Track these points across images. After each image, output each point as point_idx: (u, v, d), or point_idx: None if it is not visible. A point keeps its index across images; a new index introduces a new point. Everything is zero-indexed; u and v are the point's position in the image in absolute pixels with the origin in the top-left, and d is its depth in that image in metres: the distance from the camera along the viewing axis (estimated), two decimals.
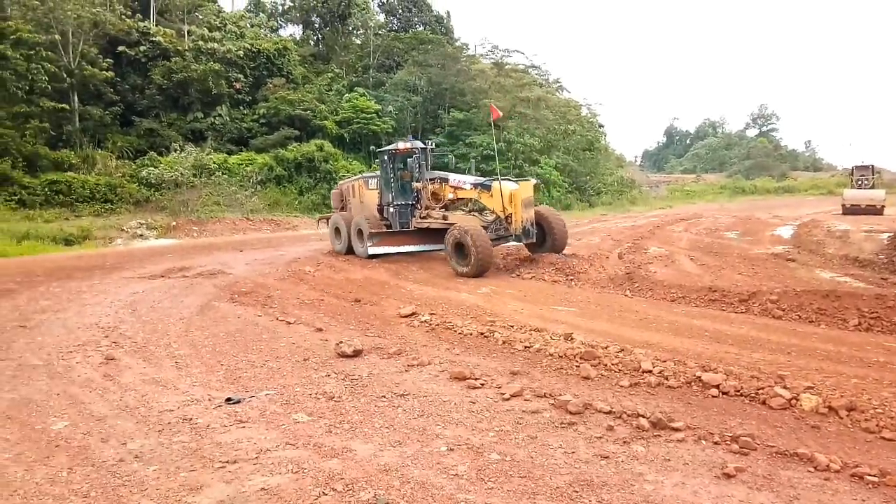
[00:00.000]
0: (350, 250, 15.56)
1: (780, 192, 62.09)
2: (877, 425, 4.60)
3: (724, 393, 5.36)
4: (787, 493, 3.67)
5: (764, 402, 5.12)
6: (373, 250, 14.66)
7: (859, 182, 33.29)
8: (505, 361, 6.51)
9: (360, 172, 30.98)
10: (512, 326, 7.94)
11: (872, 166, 34.63)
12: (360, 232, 15.17)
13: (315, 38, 42.33)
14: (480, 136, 34.76)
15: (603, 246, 16.43)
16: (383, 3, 44.61)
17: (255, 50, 34.14)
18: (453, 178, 14.39)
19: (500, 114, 14.06)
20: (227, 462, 4.19)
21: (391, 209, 15.15)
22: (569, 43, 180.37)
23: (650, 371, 5.90)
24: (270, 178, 29.50)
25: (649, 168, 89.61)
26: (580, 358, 6.40)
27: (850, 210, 29.13)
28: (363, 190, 16.49)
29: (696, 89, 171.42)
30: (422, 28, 43.23)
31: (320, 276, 12.62)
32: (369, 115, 33.56)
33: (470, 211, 15.62)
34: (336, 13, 39.16)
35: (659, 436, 4.52)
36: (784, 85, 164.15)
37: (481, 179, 13.73)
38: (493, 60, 41.80)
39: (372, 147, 18.26)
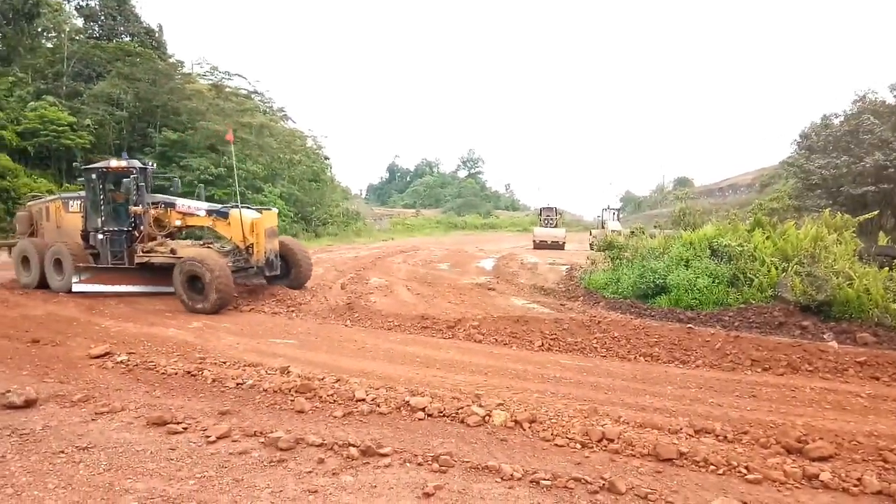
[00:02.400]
0: (43, 283, 13.43)
1: (485, 227, 69.61)
2: (552, 434, 5.31)
3: (429, 415, 5.72)
4: None
5: (463, 421, 5.58)
6: (80, 287, 12.77)
7: (546, 221, 38.93)
8: (213, 401, 6.11)
9: (49, 192, 26.92)
10: (224, 363, 7.53)
11: (556, 208, 40.76)
12: (57, 262, 13.20)
13: None
14: (197, 160, 32.76)
15: (327, 276, 16.57)
16: (81, 7, 39.69)
17: None
18: (181, 203, 13.19)
19: (233, 138, 13.45)
20: None
21: (100, 236, 13.36)
22: (293, 74, 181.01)
23: (363, 399, 6.06)
24: None
25: (374, 201, 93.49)
26: (295, 391, 6.31)
27: (539, 245, 33.80)
28: (61, 212, 14.28)
29: (415, 129, 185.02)
30: (129, 39, 39.37)
31: None
32: (61, 128, 29.28)
33: (204, 243, 14.15)
34: (21, 11, 33.69)
35: (368, 463, 4.62)
36: (488, 132, 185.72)
37: (216, 206, 12.80)
38: (211, 82, 39.84)
39: (76, 163, 15.66)
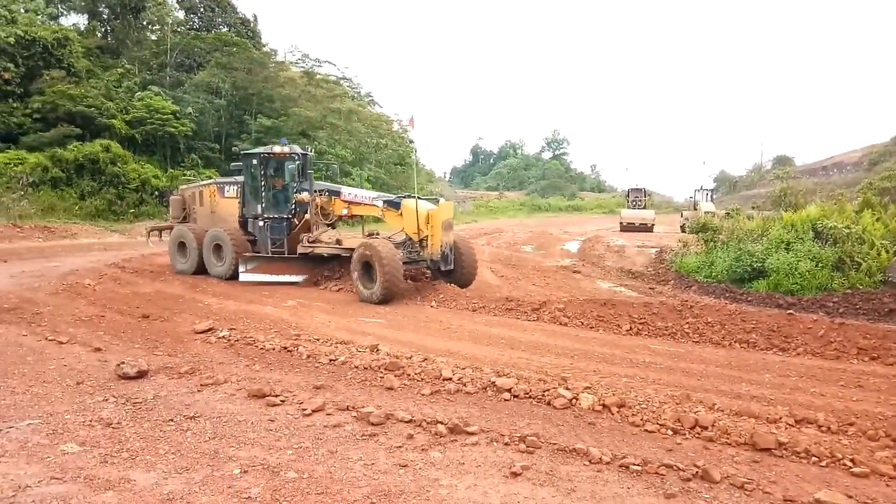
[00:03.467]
0: (201, 269, 13.47)
1: (570, 209, 68.44)
2: (641, 419, 5.20)
3: (515, 396, 5.74)
4: (565, 487, 4.01)
5: (549, 403, 5.56)
6: (247, 277, 12.70)
7: (634, 203, 37.82)
8: (308, 376, 6.37)
9: (155, 176, 28.64)
10: (318, 339, 7.82)
11: (644, 189, 39.54)
12: (216, 248, 13.25)
13: (103, 29, 38.35)
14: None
15: None
16: (182, 0, 41.77)
17: (29, 38, 30.07)
18: (347, 191, 12.92)
19: (414, 123, 12.50)
20: None
21: (260, 223, 13.34)
22: (380, 58, 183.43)
23: (450, 378, 6.15)
24: (45, 181, 26.08)
25: (457, 184, 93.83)
26: (384, 369, 6.48)
27: (627, 227, 32.95)
28: (216, 197, 14.24)
29: (498, 112, 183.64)
30: (226, 29, 41.11)
31: (102, 289, 11.40)
32: (165, 116, 31.09)
33: (369, 234, 13.50)
34: (128, 5, 35.84)
35: (455, 440, 4.70)
36: (573, 113, 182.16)
37: (387, 196, 12.41)
38: (303, 69, 41.13)
39: (236, 147, 16.44)
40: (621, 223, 33.70)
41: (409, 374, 6.32)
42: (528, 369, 6.65)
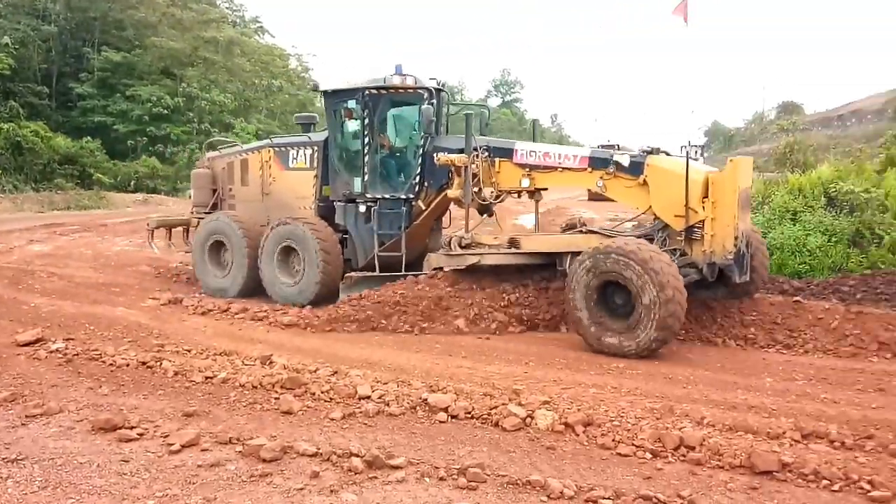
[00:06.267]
0: (253, 287, 11.20)
1: None
2: (613, 440, 5.34)
3: (453, 417, 5.79)
4: None
5: (497, 424, 5.63)
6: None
7: None
8: (176, 400, 6.25)
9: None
10: (188, 351, 7.71)
11: (618, 145, 40.31)
12: (286, 252, 10.82)
13: None
14: (147, 88, 32.97)
15: None
16: None
17: None
18: (525, 148, 10.08)
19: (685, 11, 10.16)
20: None
21: (358, 209, 10.92)
22: None
23: (368, 397, 6.16)
24: None
25: None
26: (281, 387, 6.43)
27: (596, 196, 33.50)
28: (273, 169, 11.81)
29: (429, 44, 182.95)
30: None
31: None
32: None
33: (568, 224, 10.37)
34: None
35: (375, 477, 4.70)
36: (528, 49, 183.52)
37: (611, 152, 9.84)
38: None
39: (313, 82, 12.80)
40: (589, 190, 34.29)
41: (313, 394, 6.29)
42: (471, 381, 6.71)
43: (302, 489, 4.55)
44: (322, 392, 6.29)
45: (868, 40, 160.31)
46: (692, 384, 6.83)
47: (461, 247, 9.71)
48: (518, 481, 4.65)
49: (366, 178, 10.70)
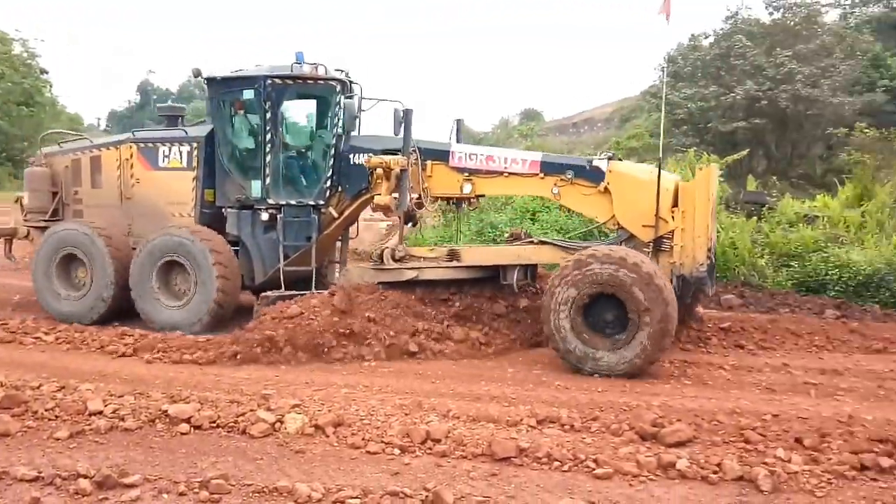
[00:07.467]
0: (117, 310, 9.60)
1: None
2: (363, 439, 5.41)
3: (196, 427, 5.58)
4: None
5: (245, 432, 5.51)
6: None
7: None
8: None
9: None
10: None
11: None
12: (167, 267, 9.35)
13: None
14: None
15: None
16: None
17: None
18: (462, 150, 9.22)
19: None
20: None
21: (260, 216, 9.58)
22: None
23: (100, 412, 5.80)
24: None
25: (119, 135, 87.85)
26: None
27: None
28: (137, 168, 10.11)
29: (177, 34, 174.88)
30: None
31: None
32: None
33: (514, 235, 9.87)
34: None
35: (106, 499, 4.42)
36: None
37: (561, 157, 9.60)
38: None
39: (195, 68, 9.88)
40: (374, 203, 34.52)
41: (36, 412, 5.79)
42: (218, 389, 6.58)
43: None
44: (46, 410, 5.80)
45: (600, 55, 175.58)
46: (440, 379, 7.10)
47: (395, 259, 9.00)
48: (265, 489, 4.58)
49: (267, 181, 9.49)
